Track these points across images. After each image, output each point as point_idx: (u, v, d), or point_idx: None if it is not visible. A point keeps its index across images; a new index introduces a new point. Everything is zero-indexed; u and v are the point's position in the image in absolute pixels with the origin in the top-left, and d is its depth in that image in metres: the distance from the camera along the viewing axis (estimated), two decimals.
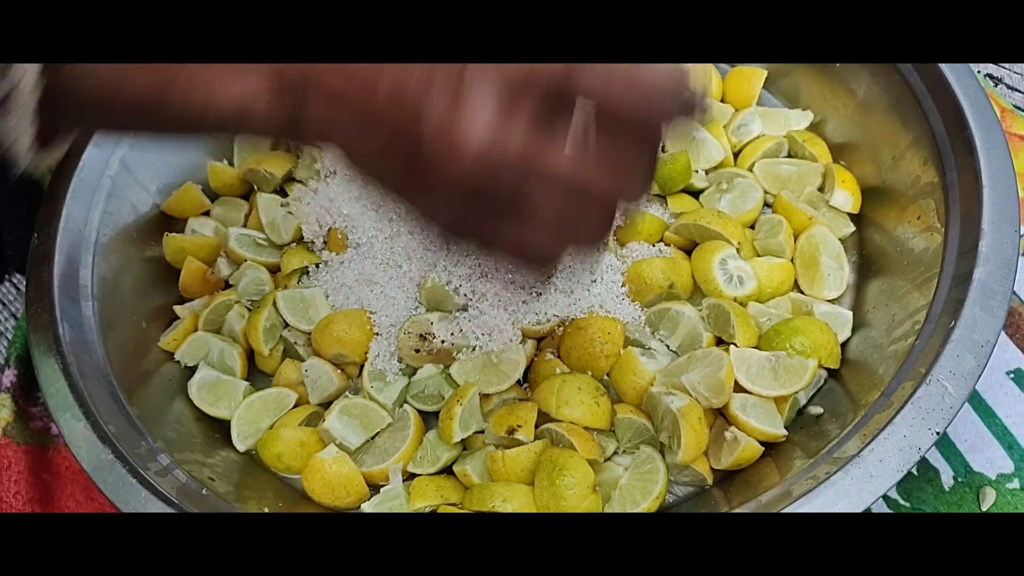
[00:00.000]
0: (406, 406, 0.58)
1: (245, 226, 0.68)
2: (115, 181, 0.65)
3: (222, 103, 0.37)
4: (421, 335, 0.58)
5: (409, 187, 0.36)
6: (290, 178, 0.69)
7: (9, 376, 0.62)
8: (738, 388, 0.54)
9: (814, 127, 0.69)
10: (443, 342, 0.58)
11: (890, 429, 0.46)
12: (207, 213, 0.69)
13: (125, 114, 0.40)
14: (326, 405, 0.59)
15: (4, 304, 0.69)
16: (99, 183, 0.64)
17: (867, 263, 0.62)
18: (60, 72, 0.37)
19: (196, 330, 0.62)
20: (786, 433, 0.53)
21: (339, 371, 0.60)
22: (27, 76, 0.36)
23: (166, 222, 0.68)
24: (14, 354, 0.63)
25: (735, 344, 0.55)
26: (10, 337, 0.66)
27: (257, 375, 0.62)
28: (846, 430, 0.49)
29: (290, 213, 0.66)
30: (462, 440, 0.55)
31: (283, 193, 0.69)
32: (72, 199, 0.63)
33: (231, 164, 0.71)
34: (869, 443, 0.46)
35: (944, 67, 0.60)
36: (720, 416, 0.55)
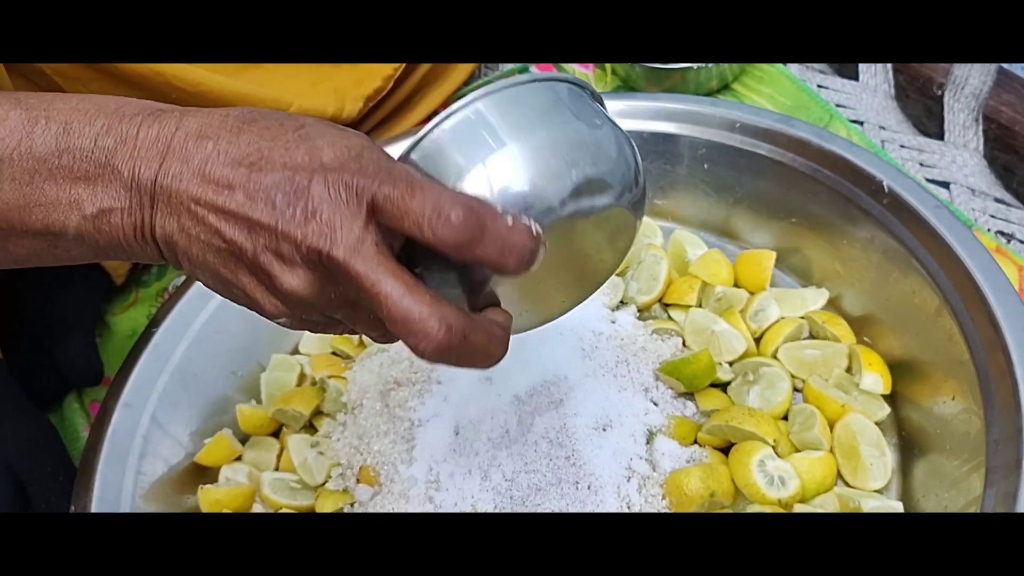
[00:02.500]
0: None
1: (277, 468, 0.68)
2: (147, 439, 0.66)
3: (80, 218, 0.40)
4: None
5: (248, 292, 0.41)
6: (318, 412, 0.70)
7: None
8: None
9: (832, 303, 0.69)
10: None
11: None
12: (239, 458, 0.69)
13: None
14: None
15: None
16: (131, 445, 0.65)
17: (908, 444, 0.61)
18: None
19: None
20: None
21: None
22: None
23: (199, 470, 0.68)
24: None
25: None
26: None
27: None
28: None
29: (321, 453, 0.66)
30: None
31: (313, 427, 0.69)
32: (105, 466, 0.63)
33: (259, 402, 0.72)
34: None
35: (950, 238, 0.60)
36: None
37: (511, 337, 0.42)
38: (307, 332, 0.77)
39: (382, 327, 0.42)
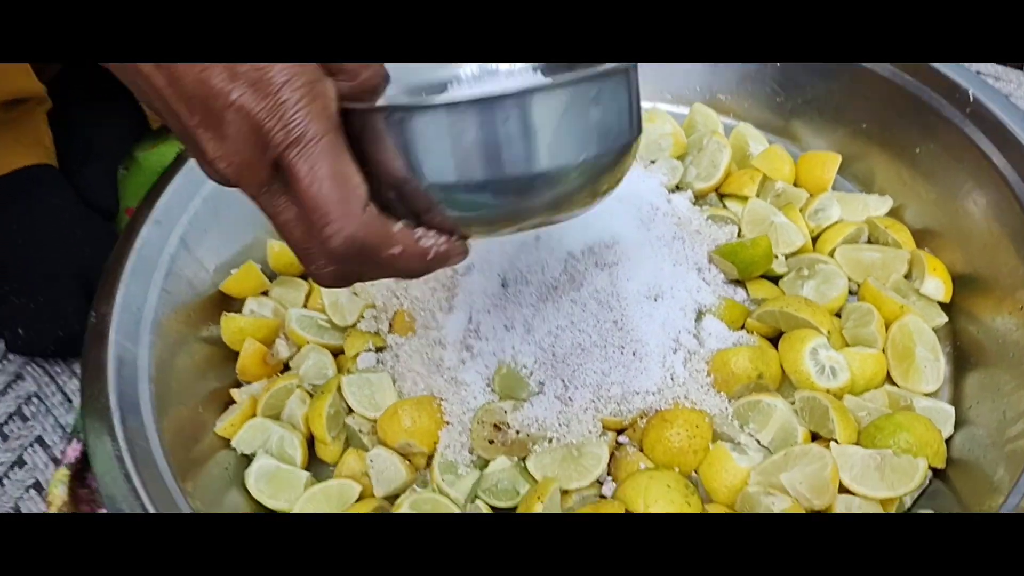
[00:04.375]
0: (478, 501, 0.54)
1: (305, 307, 0.65)
2: (174, 259, 0.63)
3: None
4: (495, 425, 0.55)
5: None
6: None
7: (75, 450, 0.59)
8: (841, 488, 0.50)
9: (893, 212, 0.67)
10: (518, 433, 0.55)
11: None
12: (266, 293, 0.66)
13: None
14: (391, 498, 0.56)
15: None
16: (158, 261, 0.62)
17: (962, 355, 0.59)
18: None
19: (254, 416, 0.59)
20: None
21: (406, 462, 0.56)
22: None
23: (224, 301, 0.66)
24: (81, 428, 0.60)
25: (835, 440, 0.52)
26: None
27: (317, 464, 0.59)
28: None
29: (355, 294, 0.63)
30: None
31: None
32: (130, 277, 0.61)
33: None
34: None
35: None
36: None
37: None
38: None
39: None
